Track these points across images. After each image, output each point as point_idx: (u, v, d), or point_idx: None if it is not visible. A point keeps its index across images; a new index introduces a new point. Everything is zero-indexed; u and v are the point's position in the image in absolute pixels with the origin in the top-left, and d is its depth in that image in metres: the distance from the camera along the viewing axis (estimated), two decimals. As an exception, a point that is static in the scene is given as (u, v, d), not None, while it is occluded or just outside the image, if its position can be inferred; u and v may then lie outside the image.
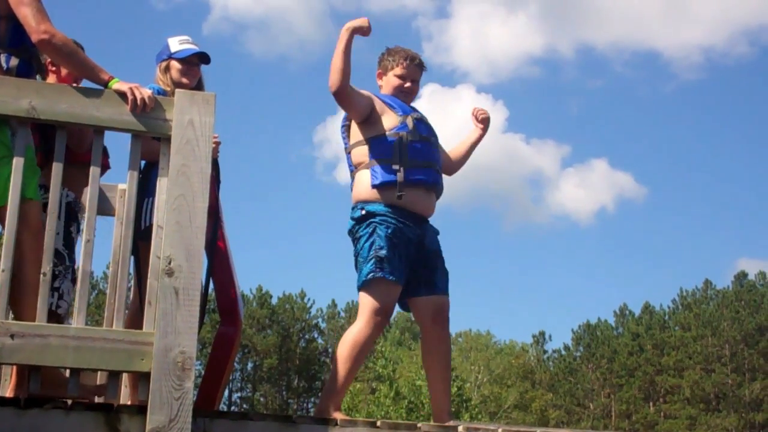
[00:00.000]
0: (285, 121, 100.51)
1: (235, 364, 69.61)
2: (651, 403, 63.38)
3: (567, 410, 63.08)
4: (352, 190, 5.11)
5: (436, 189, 5.17)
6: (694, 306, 66.37)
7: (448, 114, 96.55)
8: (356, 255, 4.93)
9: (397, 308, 5.06)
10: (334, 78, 4.96)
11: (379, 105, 5.12)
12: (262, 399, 69.04)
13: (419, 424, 3.97)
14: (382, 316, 4.78)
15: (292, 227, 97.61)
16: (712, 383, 60.67)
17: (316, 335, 74.46)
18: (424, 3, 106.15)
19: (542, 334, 72.43)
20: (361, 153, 5.07)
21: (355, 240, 4.95)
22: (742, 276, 69.18)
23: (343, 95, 4.96)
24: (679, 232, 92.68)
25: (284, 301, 72.09)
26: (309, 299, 73.26)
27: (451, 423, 4.11)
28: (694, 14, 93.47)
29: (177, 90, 3.87)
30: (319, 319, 74.94)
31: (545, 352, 71.82)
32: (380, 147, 4.98)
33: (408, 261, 4.89)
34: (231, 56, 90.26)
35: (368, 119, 5.06)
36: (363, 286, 4.81)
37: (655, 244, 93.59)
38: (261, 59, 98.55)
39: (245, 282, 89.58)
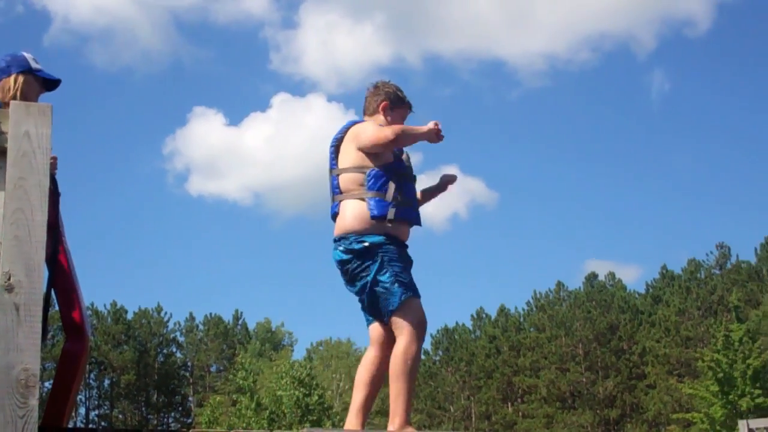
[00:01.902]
0: (133, 133, 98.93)
1: (92, 381, 67.97)
2: (509, 404, 64.71)
3: (428, 414, 63.81)
4: (334, 210, 5.23)
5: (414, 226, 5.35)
6: (548, 307, 68.07)
7: (299, 123, 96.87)
8: (365, 286, 5.08)
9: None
10: (401, 143, 5.18)
11: None
12: (120, 416, 67.56)
13: (271, 433, 3.97)
14: (422, 329, 5.04)
15: (144, 241, 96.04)
16: (567, 382, 62.25)
17: (174, 349, 73.44)
18: (270, 13, 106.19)
19: (402, 339, 73.06)
20: (353, 180, 5.16)
21: (357, 273, 5.09)
22: (592, 277, 71.37)
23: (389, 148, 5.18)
24: (531, 235, 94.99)
25: (140, 315, 70.82)
26: (166, 313, 72.27)
27: (305, 430, 4.12)
28: (537, 22, 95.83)
29: (12, 102, 3.76)
30: (177, 333, 73.98)
31: (405, 358, 72.45)
32: (379, 180, 5.10)
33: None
34: (73, 69, 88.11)
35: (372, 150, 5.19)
36: (398, 309, 4.99)
37: (508, 248, 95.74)
38: (105, 71, 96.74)
39: (99, 298, 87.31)
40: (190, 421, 65.70)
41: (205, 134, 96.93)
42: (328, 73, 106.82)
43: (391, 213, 5.05)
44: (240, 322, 77.08)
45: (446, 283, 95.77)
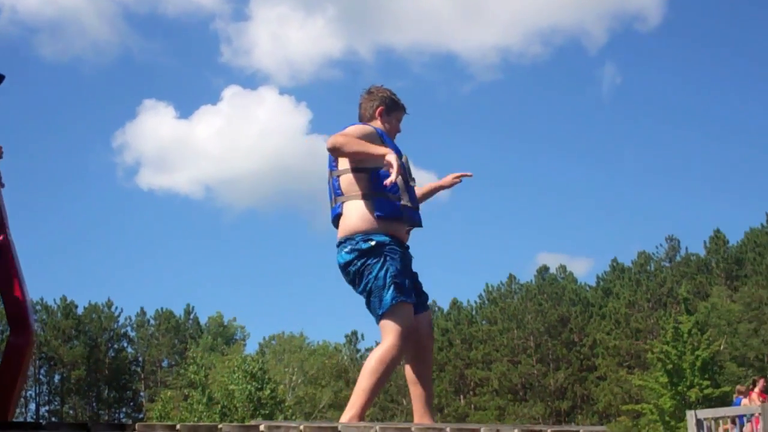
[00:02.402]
0: (82, 126, 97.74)
1: (42, 377, 67.21)
2: (461, 396, 64.95)
3: (381, 407, 63.79)
4: (336, 211, 5.23)
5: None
6: (500, 300, 68.33)
7: (251, 116, 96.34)
8: (367, 284, 5.07)
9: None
10: (340, 151, 5.12)
11: (379, 140, 5.25)
12: (71, 411, 66.81)
13: (220, 425, 3.90)
14: (407, 336, 5.05)
15: (94, 235, 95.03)
16: (518, 374, 62.58)
17: (125, 344, 72.72)
18: (221, 5, 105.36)
19: (354, 333, 73.05)
20: (355, 181, 5.18)
21: (360, 271, 5.09)
22: (544, 270, 71.77)
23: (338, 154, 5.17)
24: (483, 228, 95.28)
25: (90, 310, 70.02)
26: (116, 308, 71.52)
27: (254, 422, 4.06)
28: (489, 16, 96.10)
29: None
30: (128, 328, 73.26)
31: (358, 351, 72.43)
32: (381, 180, 5.05)
33: (413, 283, 5.21)
34: (21, 60, 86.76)
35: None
36: (388, 311, 5.00)
37: (461, 241, 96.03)
38: (53, 63, 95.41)
39: (49, 293, 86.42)
40: (141, 416, 65.14)
41: (155, 127, 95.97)
42: (279, 65, 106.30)
43: (401, 212, 5.13)
44: (191, 316, 76.51)
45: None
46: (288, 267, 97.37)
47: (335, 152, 5.11)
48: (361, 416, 4.89)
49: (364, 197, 5.13)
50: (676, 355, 36.82)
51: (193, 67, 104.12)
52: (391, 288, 4.99)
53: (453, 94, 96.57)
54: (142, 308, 74.65)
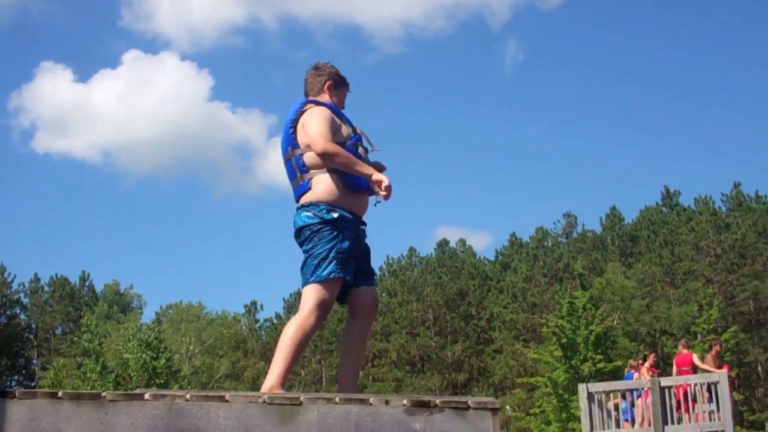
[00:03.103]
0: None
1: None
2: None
3: (279, 378, 63.68)
4: (305, 188, 5.23)
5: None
6: (400, 273, 68.65)
7: (151, 82, 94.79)
8: (312, 248, 5.14)
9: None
10: (334, 162, 5.17)
11: (335, 116, 5.34)
12: (-40, 379, 65.19)
13: (104, 393, 3.79)
14: (327, 310, 5.13)
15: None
16: (417, 346, 63.05)
17: (18, 311, 71.20)
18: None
19: (254, 303, 72.76)
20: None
21: (313, 235, 5.15)
22: (444, 243, 72.39)
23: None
24: (384, 201, 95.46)
25: (-18, 276, 68.37)
26: (9, 274, 69.93)
27: (139, 390, 3.96)
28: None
29: None
30: (21, 294, 71.70)
31: (257, 321, 72.22)
32: (351, 154, 5.20)
33: (356, 259, 5.27)
34: None
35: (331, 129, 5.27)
36: (319, 281, 5.07)
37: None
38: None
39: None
40: (33, 384, 63.92)
41: (52, 90, 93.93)
42: (181, 31, 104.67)
43: (369, 184, 5.23)
44: (87, 283, 75.25)
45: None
46: (187, 235, 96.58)
47: (325, 158, 5.15)
48: (283, 383, 4.90)
49: (332, 171, 5.20)
50: (571, 330, 37.48)
51: (93, 30, 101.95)
52: (333, 262, 5.08)
53: (356, 65, 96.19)
54: (36, 274, 73.22)
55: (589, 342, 37.33)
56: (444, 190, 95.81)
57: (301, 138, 5.24)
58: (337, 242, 5.11)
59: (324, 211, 5.12)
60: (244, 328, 70.40)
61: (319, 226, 5.12)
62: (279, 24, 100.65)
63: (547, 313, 50.90)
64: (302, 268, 5.19)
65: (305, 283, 5.12)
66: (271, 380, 4.88)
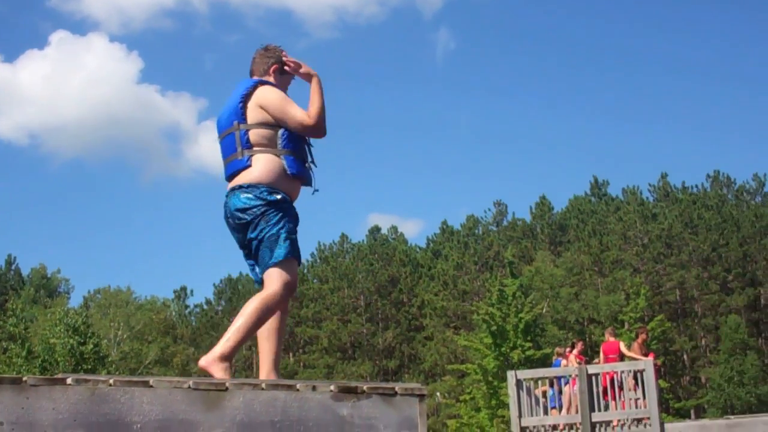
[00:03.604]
0: None
1: None
2: (291, 354, 65.05)
3: (184, 361, 63.28)
4: (243, 164, 5.17)
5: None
6: (332, 259, 68.66)
7: (79, 63, 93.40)
8: (262, 231, 5.10)
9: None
10: (320, 127, 5.25)
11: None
12: None
13: (24, 378, 3.72)
14: (291, 291, 5.11)
15: None
16: (348, 333, 63.14)
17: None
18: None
19: (184, 289, 72.20)
20: (265, 136, 5.19)
21: (258, 219, 5.10)
22: (375, 230, 72.51)
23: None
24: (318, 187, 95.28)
25: None
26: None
27: (61, 375, 3.88)
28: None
29: None
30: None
31: (187, 306, 71.65)
32: (291, 138, 5.22)
33: None
34: None
35: None
36: (279, 264, 5.04)
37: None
38: None
39: None
40: (-44, 369, 62.76)
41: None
42: (110, 12, 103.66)
43: (306, 172, 5.28)
44: (13, 267, 74.09)
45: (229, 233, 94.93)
46: (115, 219, 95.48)
47: (317, 126, 5.22)
48: (232, 354, 4.86)
49: (275, 153, 5.19)
50: (501, 317, 37.75)
51: (19, 10, 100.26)
52: (287, 243, 5.08)
53: (288, 50, 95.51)
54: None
55: (518, 329, 37.64)
56: (376, 177, 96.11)
57: (250, 116, 5.21)
58: (286, 223, 5.12)
59: (266, 193, 5.08)
60: (173, 313, 69.84)
61: (263, 209, 5.09)
62: (209, 7, 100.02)
63: (477, 301, 51.22)
64: (255, 253, 5.18)
65: (265, 268, 5.09)
66: (219, 351, 4.83)
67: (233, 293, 69.73)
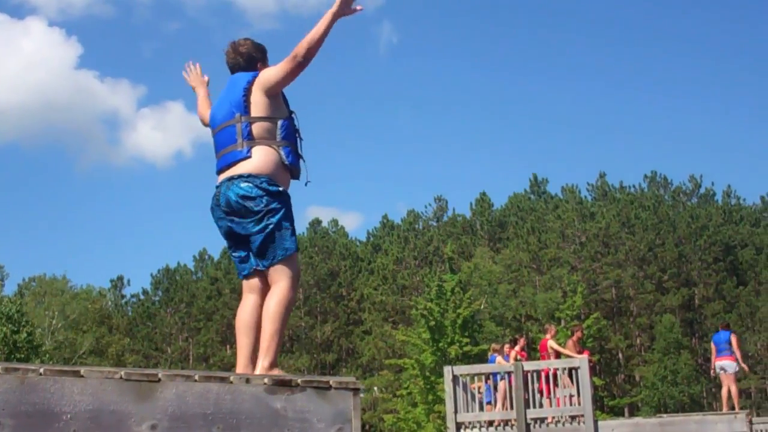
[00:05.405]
0: None
1: None
2: (228, 346, 64.73)
3: (145, 354, 62.81)
4: (243, 155, 5.20)
5: None
6: (272, 251, 68.33)
7: (16, 47, 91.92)
8: (269, 225, 5.12)
9: None
10: (313, 51, 5.25)
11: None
12: None
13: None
14: (298, 281, 5.26)
15: None
16: (287, 326, 62.91)
17: None
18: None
19: (120, 278, 71.43)
20: (266, 128, 5.26)
21: (262, 210, 5.12)
22: (316, 223, 72.36)
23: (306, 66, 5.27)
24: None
25: None
26: None
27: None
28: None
29: None
30: None
31: (123, 296, 70.92)
32: (287, 130, 5.33)
33: None
34: None
35: (277, 98, 5.35)
36: (286, 259, 5.13)
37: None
38: None
39: None
40: None
41: None
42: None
43: (299, 163, 5.38)
44: (-54, 254, 72.75)
45: (169, 222, 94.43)
46: (51, 206, 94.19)
47: (307, 51, 5.23)
48: (276, 359, 5.01)
49: (273, 145, 5.25)
50: (439, 313, 37.86)
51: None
52: (293, 238, 5.18)
53: (229, 40, 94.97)
54: None
55: (456, 325, 37.77)
56: (316, 170, 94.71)
57: (253, 108, 5.27)
58: (289, 216, 5.21)
59: (266, 184, 5.13)
60: (109, 303, 69.09)
61: (267, 200, 5.14)
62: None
63: (416, 296, 51.37)
64: (260, 245, 5.16)
65: (272, 263, 5.14)
66: (269, 358, 4.98)
67: (170, 284, 69.18)
